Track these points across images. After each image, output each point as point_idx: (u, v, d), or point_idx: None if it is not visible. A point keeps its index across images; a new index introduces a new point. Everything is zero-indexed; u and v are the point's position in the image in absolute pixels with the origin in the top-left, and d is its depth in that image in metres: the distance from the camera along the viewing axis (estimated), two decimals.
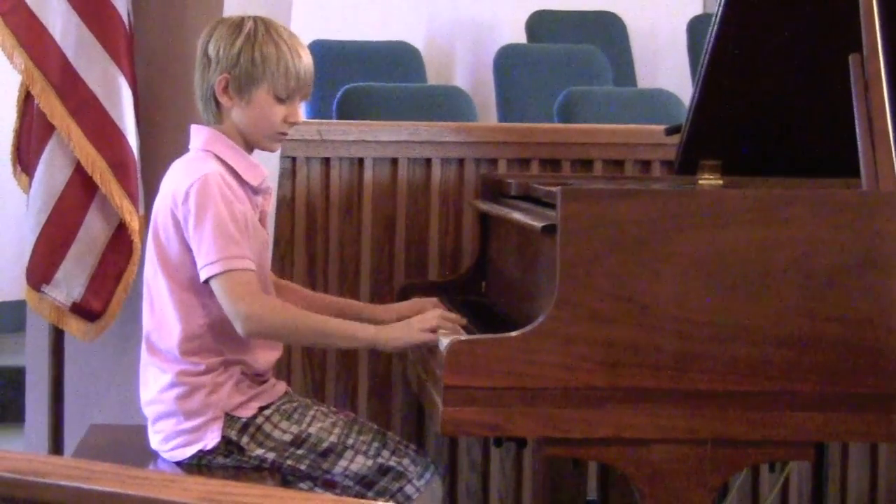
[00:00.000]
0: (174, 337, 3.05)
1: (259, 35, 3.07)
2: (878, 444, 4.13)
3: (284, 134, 3.15)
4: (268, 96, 3.08)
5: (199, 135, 3.13)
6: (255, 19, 3.11)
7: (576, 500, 3.98)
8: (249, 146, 3.14)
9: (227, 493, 1.59)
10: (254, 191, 3.12)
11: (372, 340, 3.06)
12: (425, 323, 3.05)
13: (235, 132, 3.11)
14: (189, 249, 3.02)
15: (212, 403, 3.05)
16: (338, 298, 3.53)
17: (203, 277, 2.99)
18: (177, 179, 3.07)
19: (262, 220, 3.16)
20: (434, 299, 3.32)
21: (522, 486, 4.09)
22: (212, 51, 3.09)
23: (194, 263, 3.01)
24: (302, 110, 3.21)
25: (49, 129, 3.67)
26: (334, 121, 5.02)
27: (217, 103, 3.10)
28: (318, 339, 3.26)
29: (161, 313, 3.08)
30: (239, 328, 2.99)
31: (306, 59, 3.12)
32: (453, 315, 3.11)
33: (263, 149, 3.23)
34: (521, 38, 7.37)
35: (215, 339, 3.05)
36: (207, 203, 2.98)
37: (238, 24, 3.09)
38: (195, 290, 3.04)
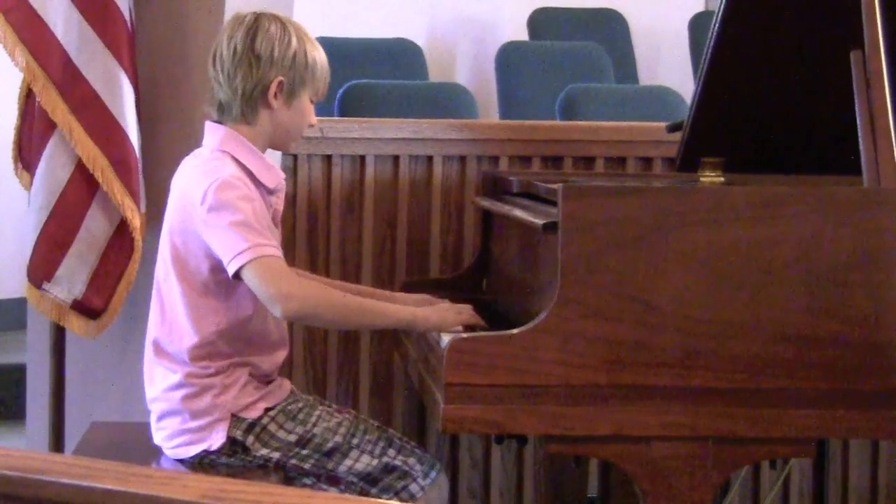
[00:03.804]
0: (185, 342, 3.04)
1: (304, 39, 3.06)
2: (880, 441, 4.13)
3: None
4: (307, 100, 3.08)
5: (214, 134, 3.09)
6: (289, 21, 3.09)
7: (577, 497, 3.99)
8: (270, 147, 3.12)
9: (227, 491, 1.59)
10: (268, 191, 3.10)
11: (410, 320, 3.09)
12: (460, 313, 3.10)
13: (263, 133, 3.07)
14: (207, 253, 2.99)
15: (219, 404, 3.04)
16: (364, 288, 3.51)
17: (232, 270, 2.93)
18: (193, 181, 3.03)
19: (274, 220, 3.15)
20: (444, 300, 3.33)
21: (524, 484, 4.09)
22: (263, 50, 3.03)
23: (211, 268, 3.00)
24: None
25: (50, 126, 3.67)
26: (336, 118, 5.02)
27: (260, 103, 3.05)
28: (356, 318, 3.16)
29: (173, 319, 3.06)
30: (278, 311, 2.95)
31: (327, 62, 3.13)
32: (478, 318, 3.15)
33: (284, 150, 3.23)
34: (522, 35, 7.36)
35: (226, 344, 3.04)
36: (227, 201, 2.95)
37: (282, 25, 3.05)
38: (210, 294, 3.02)
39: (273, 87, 3.03)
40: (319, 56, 3.08)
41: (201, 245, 3.00)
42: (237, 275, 2.94)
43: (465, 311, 3.13)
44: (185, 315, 3.03)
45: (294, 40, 3.04)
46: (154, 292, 3.12)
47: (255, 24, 3.07)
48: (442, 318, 3.09)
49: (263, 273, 2.94)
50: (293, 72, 3.04)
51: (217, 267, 2.99)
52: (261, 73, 3.04)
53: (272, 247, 2.96)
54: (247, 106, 3.05)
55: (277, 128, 3.08)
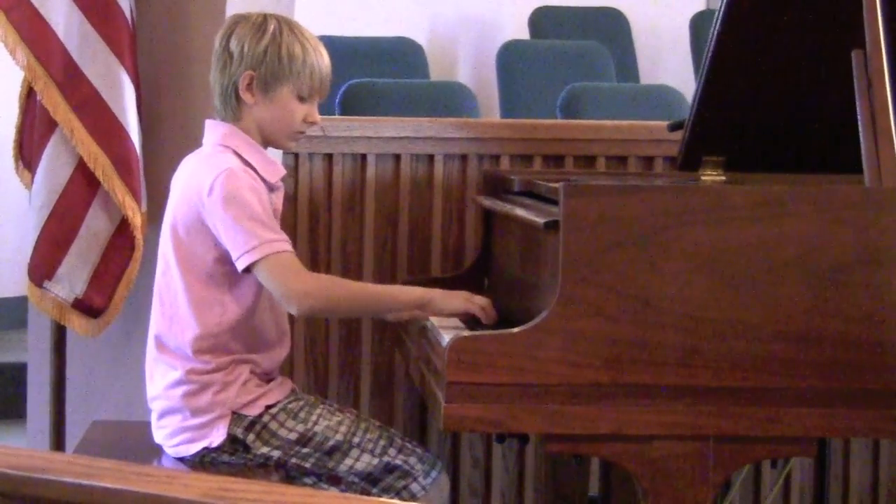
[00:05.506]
0: (187, 335, 3.04)
1: (284, 34, 3.06)
2: (881, 440, 4.13)
3: (302, 133, 3.15)
4: (290, 95, 3.07)
5: (215, 130, 3.11)
6: (277, 18, 3.10)
7: (578, 496, 3.99)
8: (265, 144, 3.13)
9: (229, 490, 1.59)
10: (269, 188, 3.11)
11: (420, 302, 3.08)
12: (472, 298, 3.09)
13: (254, 129, 3.09)
14: (214, 243, 3.00)
15: (219, 402, 3.05)
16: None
17: (242, 266, 2.96)
18: (197, 174, 3.05)
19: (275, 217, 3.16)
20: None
21: (525, 483, 4.09)
22: (234, 47, 3.06)
23: (217, 258, 3.01)
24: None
25: (51, 125, 3.67)
26: (337, 117, 5.02)
27: (238, 100, 3.08)
28: (370, 306, 3.21)
29: (174, 313, 3.06)
30: (293, 308, 3.00)
31: (327, 59, 3.12)
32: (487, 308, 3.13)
33: (280, 147, 3.23)
34: (524, 34, 7.37)
35: (228, 339, 3.05)
36: (236, 193, 2.97)
37: (261, 22, 3.08)
38: (213, 285, 3.03)
39: (243, 83, 3.05)
40: (302, 52, 3.06)
41: (207, 235, 3.01)
42: (247, 269, 2.96)
43: (478, 300, 3.11)
44: (188, 307, 3.04)
45: (267, 37, 3.05)
46: (155, 289, 3.13)
47: (236, 24, 3.10)
48: (453, 300, 3.08)
49: (277, 271, 2.97)
50: (264, 67, 3.05)
51: (223, 257, 3.01)
52: (232, 70, 3.07)
53: (283, 241, 2.99)
54: (227, 103, 3.09)
55: (260, 123, 3.09)
